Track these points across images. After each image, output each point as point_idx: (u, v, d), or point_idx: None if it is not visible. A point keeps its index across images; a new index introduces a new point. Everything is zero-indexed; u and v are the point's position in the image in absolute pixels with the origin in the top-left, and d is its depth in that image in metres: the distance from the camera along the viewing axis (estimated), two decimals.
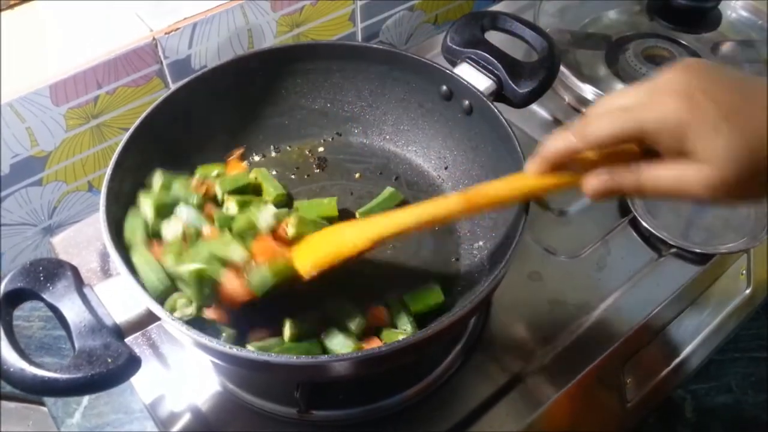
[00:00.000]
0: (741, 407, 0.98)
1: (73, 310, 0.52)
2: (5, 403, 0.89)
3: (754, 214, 0.84)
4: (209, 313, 0.58)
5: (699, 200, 0.47)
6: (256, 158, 0.81)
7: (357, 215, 0.75)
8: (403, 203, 0.77)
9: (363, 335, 0.63)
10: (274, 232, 0.64)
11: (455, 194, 0.59)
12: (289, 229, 0.64)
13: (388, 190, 0.77)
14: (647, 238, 0.83)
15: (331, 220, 0.71)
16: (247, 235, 0.62)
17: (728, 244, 0.81)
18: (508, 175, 0.58)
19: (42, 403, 0.86)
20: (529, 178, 0.55)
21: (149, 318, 0.54)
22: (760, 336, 1.03)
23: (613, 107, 0.49)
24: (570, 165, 0.53)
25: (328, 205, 0.74)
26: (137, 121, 0.66)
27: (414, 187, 0.80)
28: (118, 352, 0.50)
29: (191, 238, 0.62)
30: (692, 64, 0.48)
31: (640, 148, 0.50)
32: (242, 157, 0.79)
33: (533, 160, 0.54)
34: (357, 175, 0.80)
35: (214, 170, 0.73)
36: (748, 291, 0.86)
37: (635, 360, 0.76)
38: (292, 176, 0.80)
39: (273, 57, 0.78)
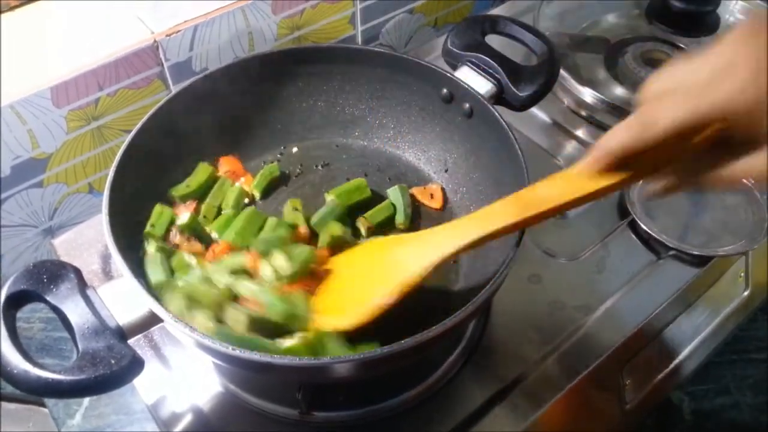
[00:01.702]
0: (739, 409, 0.99)
1: (76, 312, 0.52)
2: (5, 405, 0.89)
3: (753, 216, 0.85)
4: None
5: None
6: (255, 162, 0.82)
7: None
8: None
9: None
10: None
11: (505, 202, 0.53)
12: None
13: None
14: (646, 240, 0.83)
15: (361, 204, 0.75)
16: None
17: (726, 247, 0.81)
18: (556, 175, 0.52)
19: (42, 404, 0.86)
20: (582, 178, 0.49)
21: (152, 319, 0.55)
22: (759, 338, 1.03)
23: (674, 88, 0.42)
24: (630, 161, 0.46)
25: (358, 186, 0.77)
26: (139, 123, 0.67)
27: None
28: (121, 353, 0.51)
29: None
30: (762, 22, 0.40)
31: (705, 135, 0.44)
32: (242, 161, 0.79)
33: (592, 157, 0.47)
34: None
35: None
36: (746, 293, 0.87)
37: (634, 362, 0.76)
38: (295, 177, 0.81)
39: (274, 60, 0.78)
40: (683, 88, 0.41)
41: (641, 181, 0.49)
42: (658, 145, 0.43)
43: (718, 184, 0.44)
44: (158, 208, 0.70)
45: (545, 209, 0.51)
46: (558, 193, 0.51)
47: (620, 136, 0.44)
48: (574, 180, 0.50)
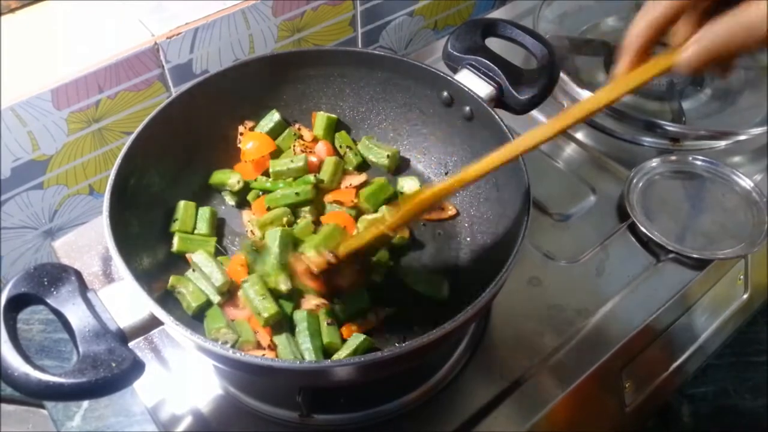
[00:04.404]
0: (738, 411, 0.99)
1: (77, 315, 0.52)
2: (5, 406, 0.89)
3: (752, 219, 0.85)
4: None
5: None
6: None
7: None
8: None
9: None
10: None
11: (545, 123, 0.56)
12: None
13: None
14: (646, 243, 0.83)
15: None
16: None
17: (726, 250, 0.81)
18: (596, 92, 0.55)
19: (42, 406, 0.86)
20: (620, 79, 0.52)
21: (153, 322, 0.55)
22: (758, 340, 1.03)
23: None
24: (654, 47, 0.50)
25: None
26: (141, 126, 0.67)
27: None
28: (122, 356, 0.51)
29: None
30: None
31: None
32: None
33: (624, 53, 0.51)
34: None
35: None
36: (745, 296, 0.87)
37: (634, 364, 0.76)
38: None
39: (274, 63, 0.78)
40: None
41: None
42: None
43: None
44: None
45: (600, 105, 0.54)
46: (607, 93, 0.53)
47: (650, 13, 0.49)
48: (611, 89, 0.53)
